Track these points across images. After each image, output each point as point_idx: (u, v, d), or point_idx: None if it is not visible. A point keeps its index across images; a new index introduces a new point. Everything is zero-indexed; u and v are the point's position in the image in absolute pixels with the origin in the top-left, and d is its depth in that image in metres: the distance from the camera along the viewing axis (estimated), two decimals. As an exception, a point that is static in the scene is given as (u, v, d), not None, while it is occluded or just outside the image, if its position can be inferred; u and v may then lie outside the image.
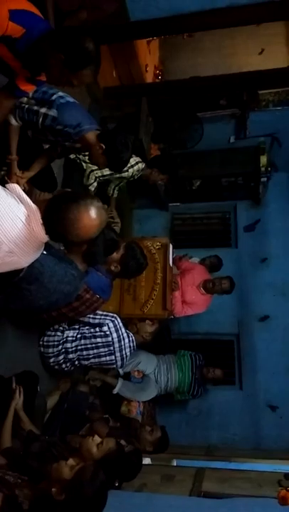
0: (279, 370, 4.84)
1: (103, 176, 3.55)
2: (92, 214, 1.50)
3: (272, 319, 5.03)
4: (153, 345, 3.41)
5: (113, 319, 3.02)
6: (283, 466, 3.45)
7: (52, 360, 2.98)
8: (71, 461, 1.66)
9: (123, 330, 3.03)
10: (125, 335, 3.03)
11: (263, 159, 4.98)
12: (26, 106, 2.29)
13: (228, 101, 4.82)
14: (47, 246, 1.84)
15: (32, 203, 1.49)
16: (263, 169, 4.99)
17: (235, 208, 5.67)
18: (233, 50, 6.05)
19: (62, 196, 1.57)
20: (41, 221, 1.48)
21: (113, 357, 2.99)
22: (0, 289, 1.82)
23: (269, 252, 5.29)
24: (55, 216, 1.49)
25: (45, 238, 1.52)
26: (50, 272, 1.88)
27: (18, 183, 2.41)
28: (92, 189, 3.52)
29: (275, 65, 5.10)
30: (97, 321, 3.00)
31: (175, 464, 3.44)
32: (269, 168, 5.04)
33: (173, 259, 4.14)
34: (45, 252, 1.79)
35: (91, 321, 3.01)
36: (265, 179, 5.11)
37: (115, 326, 2.99)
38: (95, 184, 3.55)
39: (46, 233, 1.49)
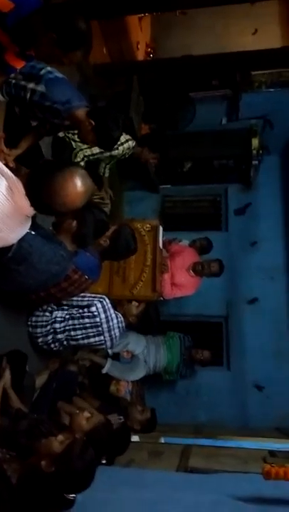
0: (266, 352, 4.93)
1: (93, 154, 3.49)
2: (77, 181, 1.47)
3: (260, 302, 5.09)
4: (140, 326, 3.43)
5: (101, 300, 3.02)
6: (268, 443, 3.54)
7: (40, 340, 2.98)
8: (61, 437, 1.69)
9: (112, 311, 3.03)
10: (114, 315, 3.03)
11: (255, 142, 4.95)
12: (13, 81, 2.23)
13: (221, 81, 4.76)
14: (35, 226, 1.82)
15: (13, 176, 1.45)
16: (254, 152, 4.97)
17: (226, 191, 5.66)
18: (226, 30, 5.93)
19: (45, 165, 1.54)
20: (24, 193, 1.44)
21: (102, 337, 3.00)
22: None
23: (259, 236, 5.32)
24: (39, 185, 1.46)
25: (30, 211, 1.50)
26: (39, 252, 1.86)
27: (5, 160, 2.37)
28: None
29: (269, 46, 5.02)
30: (85, 303, 3.00)
31: (163, 441, 3.50)
32: (261, 151, 5.02)
33: (163, 241, 4.14)
34: (33, 233, 1.77)
35: (80, 303, 3.00)
36: (257, 162, 5.10)
37: (103, 306, 2.98)
38: (82, 163, 3.50)
39: (31, 205, 1.46)
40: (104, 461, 2.28)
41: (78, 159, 3.45)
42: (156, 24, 6.44)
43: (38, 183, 1.46)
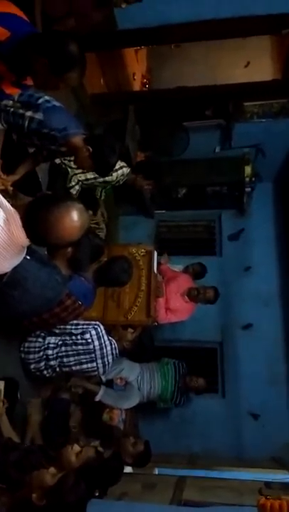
0: (261, 379, 4.88)
1: (87, 179, 3.54)
2: (74, 216, 1.48)
3: (255, 328, 5.08)
4: (134, 352, 3.39)
5: (96, 327, 2.99)
6: (264, 474, 3.46)
7: (33, 366, 2.93)
8: (52, 469, 1.64)
9: (105, 337, 3.00)
10: (107, 342, 3.00)
11: (248, 169, 5.06)
12: (12, 109, 2.28)
13: (214, 111, 4.89)
14: (30, 251, 1.82)
15: (10, 207, 1.46)
16: (247, 179, 5.08)
17: (220, 217, 5.74)
18: (219, 62, 6.14)
19: (42, 198, 1.55)
20: (21, 224, 1.45)
21: (94, 364, 2.96)
22: None
23: (252, 261, 5.36)
24: (36, 219, 1.46)
25: (26, 242, 1.50)
26: (34, 277, 1.85)
27: (3, 185, 2.39)
28: (74, 192, 3.50)
29: (261, 78, 5.20)
30: (79, 330, 2.97)
31: (156, 473, 3.41)
32: (253, 179, 5.13)
33: (158, 264, 4.16)
34: (28, 257, 1.77)
35: (73, 331, 2.97)
36: (250, 189, 5.20)
37: (97, 333, 2.95)
38: (77, 187, 3.53)
39: (27, 237, 1.47)
40: (97, 494, 2.21)
41: (73, 183, 3.49)
42: (152, 56, 6.66)
43: (35, 215, 1.47)
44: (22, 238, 1.47)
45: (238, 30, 3.83)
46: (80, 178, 3.50)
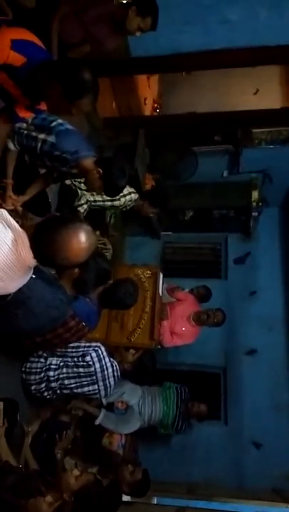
0: (265, 406, 4.78)
1: (95, 201, 3.58)
2: (81, 237, 1.49)
3: (259, 353, 5.01)
4: (135, 374, 3.34)
5: (96, 349, 2.95)
6: (265, 507, 3.34)
7: (33, 387, 2.90)
8: (49, 498, 1.59)
9: (107, 359, 2.96)
10: (109, 364, 2.96)
11: (255, 194, 5.09)
12: (25, 132, 2.33)
13: (223, 137, 4.96)
14: (36, 269, 1.82)
15: (19, 227, 1.48)
16: (254, 204, 5.10)
17: (226, 240, 5.75)
18: (229, 89, 6.26)
19: (50, 220, 1.56)
20: (29, 245, 1.47)
21: (96, 386, 2.92)
22: None
23: (258, 286, 5.33)
24: (44, 240, 1.47)
25: (33, 262, 1.51)
26: (38, 296, 1.84)
27: (13, 206, 2.42)
28: (82, 211, 3.54)
29: (269, 105, 5.29)
30: (80, 353, 2.94)
31: (155, 502, 3.31)
32: (260, 203, 5.15)
33: (166, 289, 4.13)
34: (34, 276, 1.77)
35: (74, 354, 2.94)
36: (256, 213, 5.21)
37: (98, 355, 2.92)
38: (85, 206, 3.57)
39: (35, 257, 1.48)
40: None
41: (82, 202, 3.53)
42: (163, 82, 6.81)
43: (43, 236, 1.48)
44: (29, 259, 1.48)
45: (249, 59, 3.91)
46: (89, 199, 3.54)
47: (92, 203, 3.60)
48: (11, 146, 2.34)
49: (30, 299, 1.81)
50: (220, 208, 5.32)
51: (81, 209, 3.54)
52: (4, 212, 1.50)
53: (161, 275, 4.04)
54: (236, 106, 5.40)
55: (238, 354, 5.06)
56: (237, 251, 5.59)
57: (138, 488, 2.87)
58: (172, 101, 6.51)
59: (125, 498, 2.85)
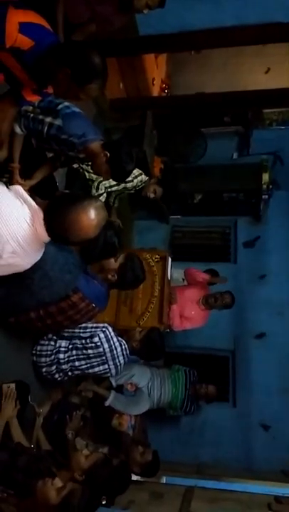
0: (273, 389, 4.80)
1: (111, 186, 3.56)
2: (91, 215, 1.54)
3: (268, 337, 5.00)
4: (144, 351, 3.32)
5: (104, 329, 2.98)
6: (274, 488, 3.39)
7: (44, 369, 2.94)
8: (57, 482, 1.62)
9: (115, 339, 2.98)
10: (117, 344, 2.98)
11: (265, 177, 5.01)
12: (32, 115, 2.31)
13: (233, 118, 4.87)
14: None
15: (35, 204, 1.53)
16: (264, 186, 5.02)
17: (236, 224, 5.68)
18: (239, 68, 6.11)
19: (60, 199, 1.59)
20: (43, 222, 1.50)
21: (106, 366, 2.95)
22: (1, 283, 1.81)
23: (268, 269, 5.29)
24: (55, 219, 1.52)
25: (47, 238, 1.56)
26: (52, 260, 1.90)
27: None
28: (103, 200, 3.52)
29: (280, 85, 5.13)
30: (88, 334, 2.97)
31: (164, 481, 3.37)
32: (270, 186, 5.07)
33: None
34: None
35: (82, 334, 2.97)
36: (267, 196, 5.14)
37: (106, 336, 2.94)
38: (105, 195, 3.56)
39: (48, 234, 1.54)
40: (104, 502, 2.20)
41: (100, 191, 3.51)
42: (172, 62, 6.66)
43: (55, 214, 1.53)
44: (44, 235, 1.54)
45: (260, 37, 3.80)
46: (106, 186, 3.52)
47: (109, 189, 3.59)
48: (18, 129, 2.31)
49: (45, 263, 1.85)
50: (229, 191, 5.27)
51: (102, 198, 3.52)
52: (20, 188, 1.54)
53: (169, 259, 4.03)
54: (246, 86, 5.28)
55: (247, 337, 5.06)
56: (246, 235, 5.53)
57: (148, 469, 2.92)
58: (181, 81, 6.38)
59: (135, 477, 2.91)
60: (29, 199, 1.53)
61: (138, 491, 2.82)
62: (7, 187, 1.59)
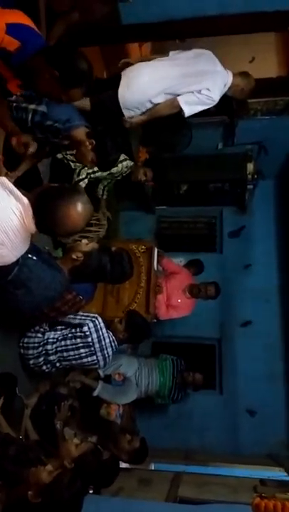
0: (259, 376, 4.90)
1: (94, 172, 3.53)
2: (79, 208, 1.56)
3: (254, 325, 5.09)
4: (132, 337, 3.31)
5: (94, 319, 3.00)
6: (260, 471, 3.49)
7: (32, 362, 2.95)
8: (49, 467, 1.66)
9: (104, 330, 3.01)
10: (106, 335, 3.01)
11: (250, 167, 5.03)
12: (15, 104, 2.28)
13: (218, 108, 4.85)
14: (37, 251, 1.86)
15: (23, 196, 1.53)
16: (249, 176, 5.05)
17: (222, 214, 5.73)
18: (224, 58, 6.06)
19: (49, 192, 1.60)
20: (31, 214, 1.51)
21: (94, 357, 2.97)
22: None
23: (253, 259, 5.36)
24: (44, 212, 1.53)
25: (33, 229, 1.56)
26: (38, 278, 1.89)
27: None
28: (83, 185, 3.50)
29: (265, 75, 5.14)
30: (77, 321, 2.99)
31: (153, 468, 3.44)
32: (256, 176, 5.10)
33: (158, 257, 4.15)
34: (35, 258, 1.81)
35: (71, 321, 2.99)
36: (252, 186, 5.17)
37: (95, 326, 2.96)
38: (86, 181, 3.53)
39: (36, 227, 1.54)
40: (91, 491, 2.24)
41: (82, 176, 3.48)
42: (157, 50, 6.58)
43: (44, 206, 1.54)
44: (31, 227, 1.54)
45: (244, 26, 3.79)
46: (88, 171, 3.49)
47: (92, 175, 3.55)
48: None
49: (30, 281, 1.86)
50: (215, 181, 5.27)
51: (82, 184, 3.49)
52: (5, 180, 1.54)
53: (155, 250, 4.06)
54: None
55: (233, 326, 5.14)
56: (232, 224, 5.59)
57: (136, 456, 2.97)
58: (166, 70, 6.32)
59: (124, 465, 2.95)
60: (16, 190, 1.53)
61: (127, 477, 2.87)
62: None
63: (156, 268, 4.04)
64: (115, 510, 2.16)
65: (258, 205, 5.52)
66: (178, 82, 3.12)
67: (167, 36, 4.43)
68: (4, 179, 1.55)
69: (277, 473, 3.41)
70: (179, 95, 3.14)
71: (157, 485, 2.89)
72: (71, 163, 3.45)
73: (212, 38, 4.95)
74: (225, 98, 4.77)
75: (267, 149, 5.11)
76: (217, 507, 2.33)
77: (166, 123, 4.88)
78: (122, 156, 3.64)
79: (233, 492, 2.85)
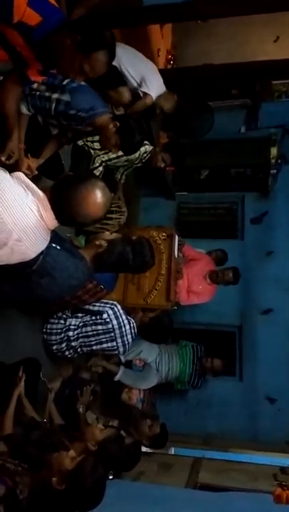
0: (279, 364, 4.86)
1: (110, 159, 3.51)
2: (98, 194, 1.53)
3: (275, 313, 5.03)
4: (152, 331, 3.35)
5: (112, 306, 3.03)
6: (279, 459, 3.49)
7: (55, 347, 3.00)
8: (72, 453, 1.69)
9: (124, 317, 3.04)
10: (126, 321, 3.04)
11: (273, 151, 4.91)
12: (38, 93, 2.26)
13: (240, 91, 4.74)
14: (60, 240, 1.86)
15: (39, 190, 1.50)
16: (272, 161, 4.93)
17: (243, 200, 5.62)
18: (247, 37, 5.89)
19: (66, 180, 1.58)
20: (50, 207, 1.49)
21: (114, 343, 3.01)
22: (8, 279, 1.83)
23: (275, 246, 5.26)
24: (61, 199, 1.51)
25: (53, 225, 1.54)
26: (62, 267, 1.90)
27: (28, 170, 2.39)
28: (98, 174, 3.48)
29: (290, 55, 4.98)
30: (96, 308, 3.01)
31: (173, 452, 3.48)
32: (279, 160, 4.98)
33: (180, 245, 4.13)
34: (58, 247, 1.82)
35: (91, 308, 3.02)
36: (275, 171, 5.05)
37: (115, 313, 3.00)
38: (101, 169, 3.51)
39: (55, 218, 1.52)
40: (111, 477, 2.28)
41: (96, 164, 3.47)
42: (178, 31, 6.44)
43: (62, 196, 1.51)
44: (50, 220, 1.52)
45: (268, 4, 3.64)
46: (103, 159, 3.47)
47: (108, 162, 3.53)
48: (24, 109, 2.28)
49: (54, 270, 1.86)
50: (237, 166, 5.16)
51: (97, 172, 3.48)
52: (22, 175, 1.52)
53: (176, 237, 4.02)
54: (255, 55, 5.11)
55: (253, 313, 5.10)
56: (254, 210, 5.48)
57: (156, 441, 3.02)
58: (187, 52, 6.18)
59: (144, 449, 3.00)
60: (32, 185, 1.50)
61: (147, 462, 2.92)
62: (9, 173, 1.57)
63: (176, 255, 4.01)
64: (137, 494, 2.20)
65: (281, 190, 5.38)
66: None
67: (188, 17, 4.31)
68: (20, 174, 1.52)
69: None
70: None
71: (177, 470, 2.93)
72: (91, 151, 3.43)
73: (235, 17, 4.81)
74: (248, 81, 4.69)
75: (291, 133, 4.98)
76: (238, 495, 2.35)
77: (188, 107, 4.80)
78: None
79: (253, 479, 2.86)
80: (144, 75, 3.70)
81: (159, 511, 1.96)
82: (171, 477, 2.86)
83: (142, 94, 3.70)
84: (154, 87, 3.77)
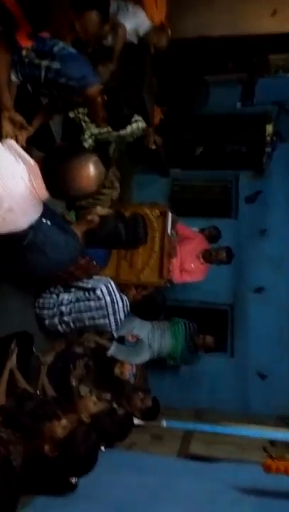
0: (270, 340, 4.94)
1: (100, 133, 3.44)
2: (91, 167, 1.49)
3: (267, 291, 5.07)
4: (144, 308, 3.36)
5: (106, 283, 3.02)
6: (269, 432, 3.56)
7: (47, 321, 3.00)
8: (64, 421, 1.71)
9: (117, 294, 3.03)
10: (119, 298, 3.03)
11: (269, 128, 4.86)
12: (26, 60, 2.18)
13: (237, 65, 4.63)
14: (51, 215, 1.83)
15: (31, 159, 1.47)
16: (268, 138, 4.88)
17: (238, 178, 5.58)
18: (244, 10, 5.70)
19: (58, 151, 1.53)
20: (40, 176, 1.45)
21: (107, 320, 3.01)
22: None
23: (268, 224, 5.26)
24: (54, 171, 1.47)
25: (45, 195, 1.51)
26: (52, 242, 1.88)
27: (17, 140, 2.33)
28: (87, 146, 3.42)
29: (288, 29, 4.85)
30: (90, 285, 3.01)
31: (164, 425, 3.54)
32: (274, 138, 4.93)
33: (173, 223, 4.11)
34: (49, 223, 1.79)
35: (84, 285, 3.01)
36: (270, 149, 5.01)
37: (108, 289, 2.99)
38: (90, 141, 3.45)
39: (47, 190, 1.48)
40: (103, 448, 2.32)
41: (86, 136, 3.40)
42: (173, 2, 6.23)
43: (54, 168, 1.47)
44: (42, 191, 1.48)
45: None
46: (93, 132, 3.40)
47: (98, 136, 3.46)
48: (13, 77, 2.20)
49: (45, 245, 1.85)
50: (231, 142, 5.11)
51: (86, 144, 3.41)
52: (13, 143, 1.48)
53: (170, 214, 4.00)
54: (252, 29, 4.95)
55: (246, 291, 5.14)
56: (248, 189, 5.45)
57: (148, 414, 3.07)
58: (182, 24, 5.95)
59: (137, 421, 3.05)
60: (24, 153, 1.46)
61: (140, 433, 2.97)
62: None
63: (170, 233, 4.00)
64: (128, 463, 2.25)
65: (275, 169, 5.35)
66: None
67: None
68: (12, 142, 1.48)
69: (286, 435, 3.48)
70: None
71: (169, 441, 2.99)
72: (82, 123, 3.36)
73: (232, -13, 4.66)
74: (245, 55, 4.57)
75: (287, 110, 4.90)
76: (227, 465, 2.41)
77: (183, 80, 4.70)
78: (135, 117, 3.52)
79: (242, 451, 2.93)
80: (120, 4, 3.55)
81: (151, 479, 2.00)
82: (162, 447, 2.92)
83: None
84: (129, 17, 3.65)
